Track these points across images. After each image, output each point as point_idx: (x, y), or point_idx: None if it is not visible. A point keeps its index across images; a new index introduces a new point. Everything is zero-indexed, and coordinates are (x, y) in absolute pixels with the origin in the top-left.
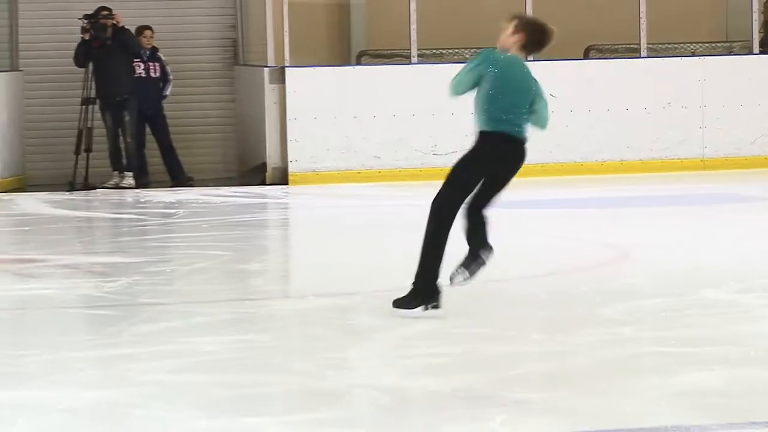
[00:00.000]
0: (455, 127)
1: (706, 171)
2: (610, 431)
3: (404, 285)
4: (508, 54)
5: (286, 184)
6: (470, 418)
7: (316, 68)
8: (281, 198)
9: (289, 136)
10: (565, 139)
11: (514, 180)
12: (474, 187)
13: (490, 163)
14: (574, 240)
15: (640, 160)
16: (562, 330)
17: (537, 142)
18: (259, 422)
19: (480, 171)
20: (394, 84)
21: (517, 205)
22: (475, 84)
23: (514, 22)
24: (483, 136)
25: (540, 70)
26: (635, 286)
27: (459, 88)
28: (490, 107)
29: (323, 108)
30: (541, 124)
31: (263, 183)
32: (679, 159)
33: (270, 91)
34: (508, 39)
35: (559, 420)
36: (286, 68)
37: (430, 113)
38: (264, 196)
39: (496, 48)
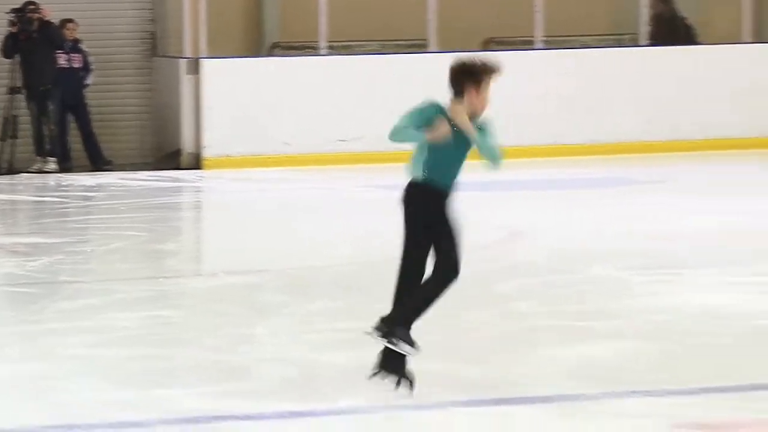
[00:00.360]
0: (361, 116)
1: (595, 156)
2: (506, 399)
3: (312, 264)
4: None
5: (200, 169)
6: (374, 390)
7: (230, 59)
8: (195, 182)
9: (204, 124)
10: None
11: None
12: None
13: None
14: (470, 221)
15: (533, 145)
16: (460, 306)
17: None
18: (170, 394)
19: None
20: (304, 75)
21: None
22: None
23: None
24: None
25: (442, 62)
26: (528, 264)
27: None
28: None
29: (236, 97)
30: None
31: (178, 168)
32: (570, 145)
33: (186, 81)
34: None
35: (459, 390)
36: (201, 59)
37: (338, 103)
38: (179, 180)
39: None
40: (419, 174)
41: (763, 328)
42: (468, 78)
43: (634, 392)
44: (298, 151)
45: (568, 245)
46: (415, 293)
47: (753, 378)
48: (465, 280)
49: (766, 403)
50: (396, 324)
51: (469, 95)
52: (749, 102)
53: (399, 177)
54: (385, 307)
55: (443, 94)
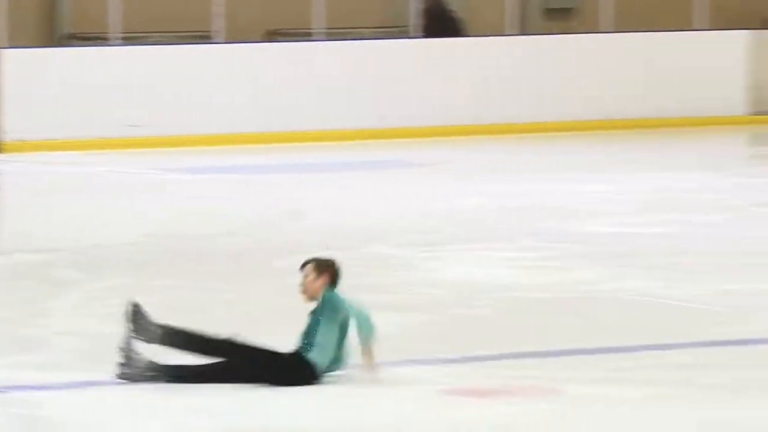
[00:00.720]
0: (150, 103)
1: (375, 140)
2: None
3: (104, 243)
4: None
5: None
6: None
7: (27, 49)
8: None
9: (3, 110)
10: (248, 112)
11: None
12: None
13: None
14: (253, 202)
15: (314, 130)
16: (241, 280)
17: (225, 113)
18: None
19: None
20: (97, 64)
21: (200, 171)
22: None
23: (312, 266)
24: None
25: (227, 53)
26: (308, 241)
27: None
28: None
29: (34, 85)
30: None
31: None
32: (351, 129)
33: None
34: (315, 284)
35: None
36: (1, 49)
37: (129, 90)
38: None
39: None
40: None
41: (517, 300)
42: None
43: (407, 361)
44: (91, 135)
45: (346, 224)
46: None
47: (509, 346)
48: (246, 256)
49: (525, 370)
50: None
51: None
52: (515, 89)
53: (184, 161)
54: (171, 283)
55: (229, 85)
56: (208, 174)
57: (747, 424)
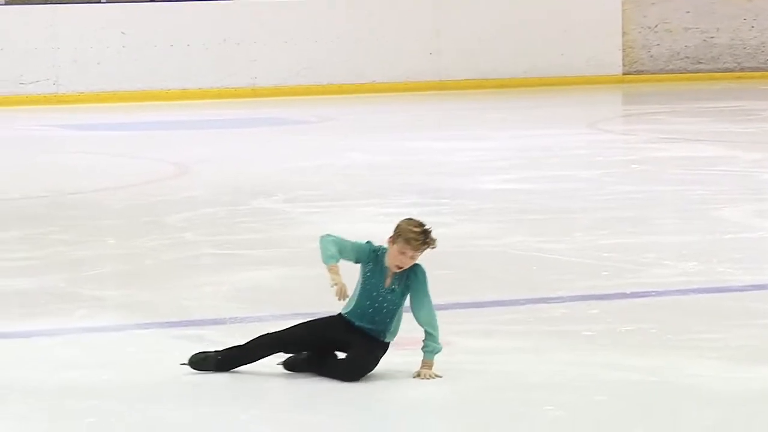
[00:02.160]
0: (36, 61)
1: (256, 98)
2: (175, 323)
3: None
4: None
5: None
6: (57, 313)
7: None
8: None
9: None
10: (135, 70)
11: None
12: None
13: None
14: (141, 158)
15: (200, 88)
16: (132, 236)
17: (117, 71)
18: None
19: None
20: None
21: (91, 128)
22: None
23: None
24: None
25: (114, 12)
26: (194, 197)
27: None
28: None
29: None
30: None
31: None
32: (232, 88)
33: None
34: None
35: (131, 314)
36: None
37: (17, 48)
38: None
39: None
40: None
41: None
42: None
43: (292, 314)
44: None
45: (231, 180)
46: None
47: None
48: (137, 212)
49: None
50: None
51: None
52: (395, 47)
53: (77, 118)
54: (63, 238)
55: (120, 43)
56: (99, 131)
57: (614, 376)
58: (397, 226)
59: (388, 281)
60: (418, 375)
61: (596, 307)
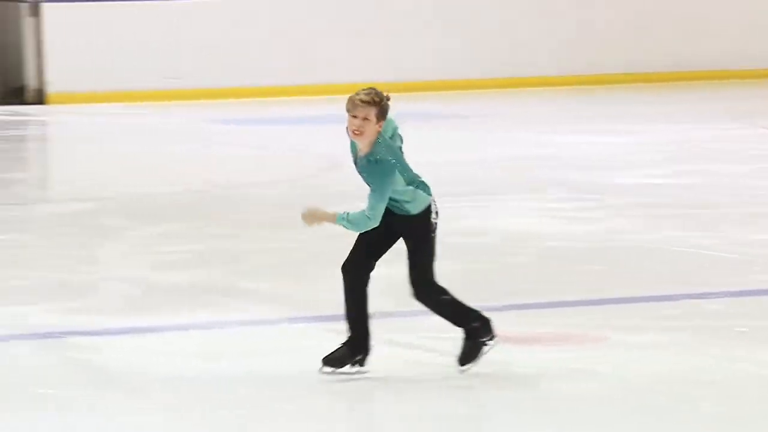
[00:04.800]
0: (188, 55)
1: (414, 92)
2: (328, 316)
3: (149, 191)
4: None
5: (44, 104)
6: (213, 306)
7: (69, 3)
8: (40, 116)
9: (47, 63)
10: (286, 64)
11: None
12: None
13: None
14: (291, 152)
15: (354, 82)
16: (285, 229)
17: (262, 66)
18: (22, 311)
19: None
20: (138, 18)
21: (240, 122)
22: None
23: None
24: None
25: (258, 7)
26: (345, 191)
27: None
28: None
29: (76, 38)
30: None
31: (23, 103)
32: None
33: (28, 22)
34: (374, 129)
35: (284, 307)
36: (41, 3)
37: (165, 44)
38: (24, 114)
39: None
40: None
41: (554, 249)
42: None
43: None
44: (133, 87)
45: None
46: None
47: (550, 295)
48: (289, 206)
49: (568, 318)
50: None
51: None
52: (548, 42)
53: (223, 112)
54: (216, 232)
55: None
56: (247, 125)
57: None
58: None
59: (358, 163)
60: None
61: (750, 303)
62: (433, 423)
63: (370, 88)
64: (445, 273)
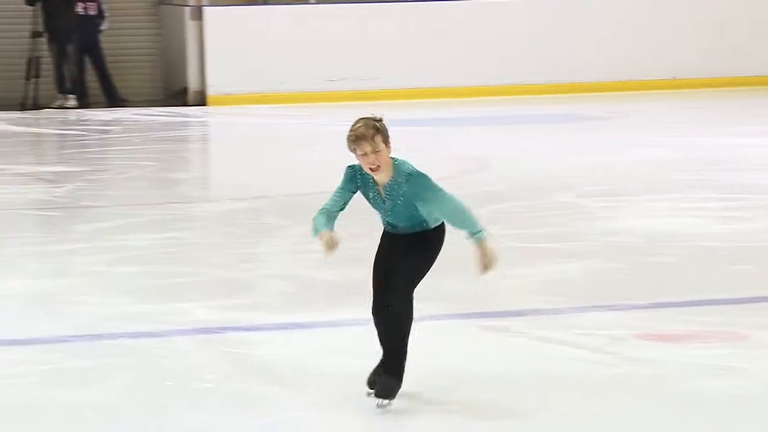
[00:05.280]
0: (346, 59)
1: (550, 95)
2: (485, 313)
3: (307, 191)
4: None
5: (205, 105)
6: (360, 304)
7: (229, 7)
8: (201, 117)
9: (208, 65)
10: (436, 67)
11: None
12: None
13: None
14: (436, 154)
15: (501, 85)
16: None
17: (415, 68)
18: (183, 307)
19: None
20: (296, 21)
21: (393, 123)
22: None
23: (379, 137)
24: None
25: (416, 11)
26: (496, 191)
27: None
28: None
29: (236, 41)
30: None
31: (185, 104)
32: (536, 84)
33: (190, 26)
34: (387, 154)
35: (435, 304)
36: (204, 7)
37: (327, 47)
38: (186, 116)
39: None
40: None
41: (701, 248)
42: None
43: (593, 306)
44: (291, 89)
45: (527, 175)
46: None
47: (695, 294)
48: None
49: (711, 316)
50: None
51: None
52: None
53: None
54: (367, 230)
55: (417, 43)
56: (400, 126)
57: None
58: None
59: (383, 197)
60: (484, 267)
61: None
62: (587, 419)
63: (358, 120)
64: (595, 271)
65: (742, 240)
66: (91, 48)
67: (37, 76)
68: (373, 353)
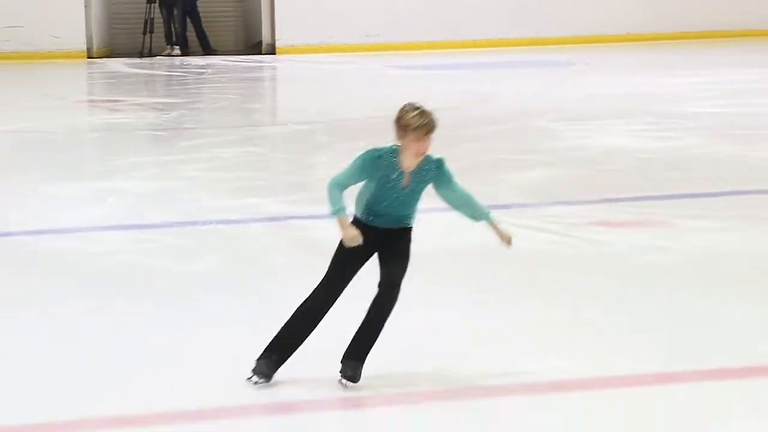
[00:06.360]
0: (380, 14)
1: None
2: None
3: (348, 117)
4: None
5: (275, 54)
6: None
7: None
8: (271, 63)
9: (277, 23)
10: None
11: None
12: None
13: None
14: (441, 91)
15: (505, 38)
16: (445, 147)
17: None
18: (257, 202)
19: None
20: None
21: (412, 68)
22: None
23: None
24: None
25: None
26: (489, 116)
27: None
28: None
29: (300, 3)
30: None
31: (260, 53)
32: (534, 38)
33: None
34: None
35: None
36: None
37: (368, 7)
38: (261, 62)
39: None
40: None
41: (642, 160)
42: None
43: (556, 202)
44: (339, 42)
45: (513, 106)
46: (370, 326)
47: (636, 192)
48: (448, 128)
49: (646, 209)
50: (360, 365)
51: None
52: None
53: (402, 61)
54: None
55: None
56: (418, 70)
57: None
58: (400, 121)
59: (406, 182)
60: (508, 242)
61: None
62: (567, 286)
63: (416, 109)
64: (559, 177)
65: (673, 153)
66: (191, 10)
67: (151, 32)
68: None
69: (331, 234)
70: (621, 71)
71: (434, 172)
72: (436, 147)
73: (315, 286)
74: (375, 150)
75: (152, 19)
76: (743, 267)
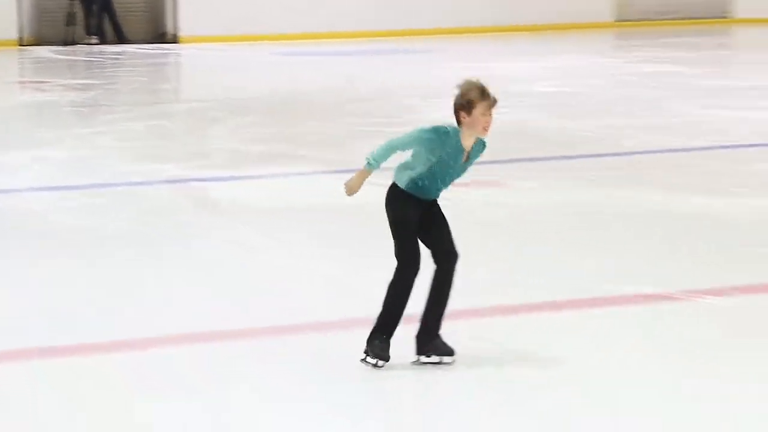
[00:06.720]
0: (281, 12)
1: (410, 36)
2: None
3: (241, 96)
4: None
5: (178, 43)
6: (275, 163)
7: None
8: (176, 51)
9: (180, 15)
10: (326, 17)
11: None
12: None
13: None
14: (327, 74)
15: (369, 30)
16: (329, 116)
17: (307, 18)
18: (163, 167)
19: None
20: None
21: (293, 54)
22: None
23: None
24: None
25: None
26: (361, 95)
27: None
28: None
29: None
30: None
31: (165, 42)
32: (391, 30)
33: None
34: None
35: (317, 164)
36: None
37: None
38: (167, 50)
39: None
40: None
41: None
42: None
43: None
44: (233, 32)
45: (381, 86)
46: (442, 297)
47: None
48: (327, 101)
49: (486, 174)
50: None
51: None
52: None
53: (284, 49)
54: (290, 120)
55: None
56: (303, 56)
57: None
58: (464, 96)
59: (464, 159)
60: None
61: (604, 162)
62: None
63: (477, 83)
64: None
65: (508, 124)
66: (107, 5)
67: (73, 24)
68: (284, 197)
69: (227, 195)
70: (475, 57)
71: (481, 150)
72: (318, 119)
73: (397, 267)
74: (443, 127)
75: (74, 12)
76: (566, 218)
